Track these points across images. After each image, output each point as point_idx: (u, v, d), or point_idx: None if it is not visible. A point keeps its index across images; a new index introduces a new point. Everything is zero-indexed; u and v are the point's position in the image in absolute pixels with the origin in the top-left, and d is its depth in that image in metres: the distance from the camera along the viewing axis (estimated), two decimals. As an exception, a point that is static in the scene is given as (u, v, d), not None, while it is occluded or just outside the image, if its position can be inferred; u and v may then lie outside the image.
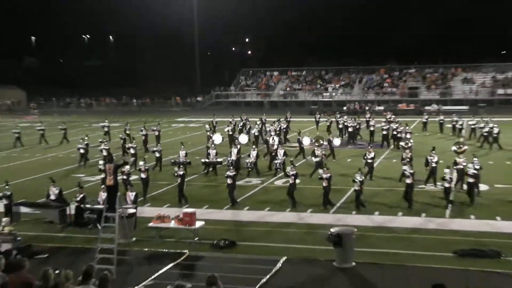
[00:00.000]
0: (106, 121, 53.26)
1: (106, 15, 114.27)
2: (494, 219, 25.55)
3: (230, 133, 47.44)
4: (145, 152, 42.71)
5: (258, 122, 51.08)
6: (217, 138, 42.53)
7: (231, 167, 29.91)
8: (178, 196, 29.25)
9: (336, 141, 42.80)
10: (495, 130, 43.94)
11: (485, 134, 44.87)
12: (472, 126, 49.56)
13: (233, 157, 35.54)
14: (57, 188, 27.31)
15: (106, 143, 41.87)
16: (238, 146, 38.60)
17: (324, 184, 27.74)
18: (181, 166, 30.99)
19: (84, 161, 39.64)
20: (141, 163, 31.35)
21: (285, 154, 36.19)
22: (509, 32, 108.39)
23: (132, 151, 38.26)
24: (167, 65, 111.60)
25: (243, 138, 44.04)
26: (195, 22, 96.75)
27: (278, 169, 35.14)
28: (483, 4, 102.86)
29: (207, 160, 36.31)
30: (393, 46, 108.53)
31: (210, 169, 36.20)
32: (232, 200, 28.54)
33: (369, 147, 36.08)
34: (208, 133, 45.88)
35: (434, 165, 30.01)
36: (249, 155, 36.52)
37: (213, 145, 38.44)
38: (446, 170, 27.77)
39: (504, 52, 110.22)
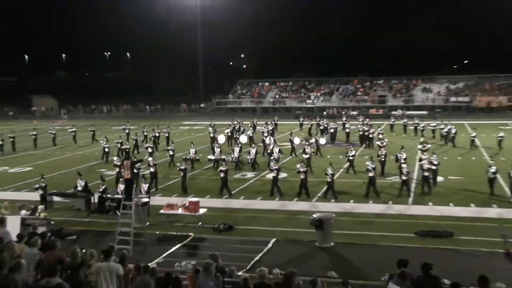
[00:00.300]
0: (128, 124, 53.05)
1: (124, 35, 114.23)
2: (448, 205, 25.79)
3: (229, 134, 47.46)
4: (156, 151, 42.74)
5: (250, 125, 51.48)
6: (221, 138, 42.48)
7: (225, 163, 30.20)
8: (181, 186, 29.37)
9: (322, 140, 42.79)
10: (453, 131, 44.45)
11: (445, 134, 45.21)
12: (433, 128, 49.82)
13: (236, 155, 35.78)
14: (83, 181, 27.40)
15: (127, 143, 42.40)
16: (240, 145, 38.71)
17: (302, 176, 27.86)
18: (186, 161, 31.54)
19: (106, 158, 39.59)
20: (150, 159, 31.56)
21: (280, 151, 36.27)
22: (459, 51, 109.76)
23: (149, 150, 38.56)
24: (175, 77, 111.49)
25: (243, 138, 43.70)
26: (200, 41, 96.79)
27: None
28: (441, 25, 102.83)
29: (212, 157, 36.28)
30: (365, 61, 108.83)
31: (215, 165, 35.96)
32: (228, 190, 28.58)
33: (350, 146, 36.22)
34: (212, 134, 45.80)
35: (403, 161, 29.95)
36: (249, 153, 36.40)
37: (217, 144, 38.36)
38: (404, 165, 28.01)
39: (456, 66, 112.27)
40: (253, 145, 38.79)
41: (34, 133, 51.02)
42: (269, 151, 37.28)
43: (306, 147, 35.74)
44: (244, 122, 54.65)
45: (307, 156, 34.29)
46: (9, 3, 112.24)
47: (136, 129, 52.99)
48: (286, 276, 11.72)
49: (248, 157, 35.80)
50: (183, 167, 29.66)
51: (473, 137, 42.74)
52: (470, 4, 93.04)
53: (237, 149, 36.85)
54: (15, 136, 49.18)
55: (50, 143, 50.50)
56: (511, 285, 15.04)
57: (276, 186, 28.24)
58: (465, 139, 44.48)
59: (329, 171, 27.51)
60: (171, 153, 37.19)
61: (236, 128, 50.69)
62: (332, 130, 48.69)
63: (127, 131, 50.66)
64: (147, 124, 56.60)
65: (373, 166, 28.15)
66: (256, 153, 36.17)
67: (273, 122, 52.85)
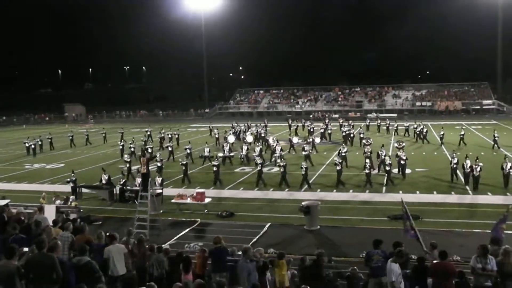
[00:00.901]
0: (150, 127, 52.67)
1: (141, 52, 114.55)
2: (415, 193, 25.73)
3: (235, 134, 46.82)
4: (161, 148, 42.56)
5: (242, 126, 51.61)
6: (231, 138, 42.11)
7: (216, 159, 30.38)
8: (182, 178, 29.36)
9: (317, 139, 42.21)
10: (424, 130, 44.86)
11: (418, 132, 45.27)
12: (406, 127, 50.07)
13: (244, 152, 35.48)
14: (106, 175, 27.38)
15: (150, 143, 42.41)
16: (247, 144, 38.47)
17: (282, 170, 27.94)
18: (201, 158, 32.13)
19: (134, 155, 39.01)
20: (157, 154, 31.84)
21: (281, 149, 35.96)
22: (422, 64, 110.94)
23: (169, 148, 38.16)
24: (184, 86, 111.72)
25: (249, 138, 42.96)
26: (205, 57, 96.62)
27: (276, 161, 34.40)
28: (408, 43, 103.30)
29: (222, 154, 35.93)
30: (344, 72, 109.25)
31: (224, 161, 35.57)
32: (219, 181, 28.58)
33: (343, 144, 36.14)
34: (217, 135, 45.59)
35: (383, 157, 29.76)
36: (254, 150, 35.93)
37: (226, 143, 38.14)
38: (387, 158, 28.40)
39: (420, 76, 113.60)
40: (257, 143, 38.23)
41: (71, 134, 50.92)
42: (272, 149, 36.67)
43: (304, 145, 35.49)
44: (240, 124, 54.30)
45: (306, 153, 33.95)
46: (45, 27, 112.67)
47: (151, 130, 52.78)
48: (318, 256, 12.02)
49: (254, 154, 34.94)
50: (184, 162, 29.80)
51: (442, 135, 42.78)
52: (432, 26, 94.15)
53: (245, 147, 36.49)
54: (52, 137, 48.99)
55: (83, 142, 50.18)
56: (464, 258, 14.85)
57: (284, 179, 28.02)
58: (432, 137, 44.51)
59: (304, 165, 27.71)
60: (188, 151, 36.26)
61: (243, 129, 50.47)
62: (322, 130, 48.44)
63: (148, 132, 49.94)
64: (160, 126, 56.47)
65: (340, 160, 28.13)
66: (261, 150, 35.52)
67: (263, 124, 52.65)
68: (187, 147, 36.82)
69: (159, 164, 30.66)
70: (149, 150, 36.17)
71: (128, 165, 31.30)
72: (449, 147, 39.69)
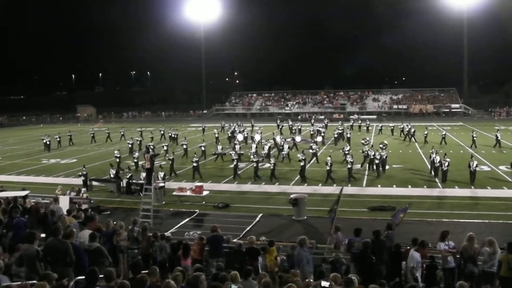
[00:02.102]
0: (163, 127, 51.74)
1: (146, 58, 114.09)
2: (392, 187, 25.83)
3: (230, 134, 46.31)
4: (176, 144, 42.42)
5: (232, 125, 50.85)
6: (240, 137, 41.67)
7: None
8: (192, 173, 29.08)
9: (319, 138, 41.50)
10: (412, 130, 44.95)
11: (406, 132, 45.46)
12: (392, 127, 50.59)
13: (253, 150, 34.87)
14: (114, 170, 27.36)
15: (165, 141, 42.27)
16: (255, 142, 38.18)
17: (271, 166, 27.99)
18: (215, 155, 32.37)
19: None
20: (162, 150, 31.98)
21: (289, 147, 35.75)
22: (399, 71, 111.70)
23: (184, 146, 37.20)
24: (184, 90, 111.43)
25: (257, 136, 41.91)
26: (203, 63, 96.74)
27: (284, 157, 34.15)
28: (386, 52, 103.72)
29: (232, 152, 35.33)
30: (329, 77, 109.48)
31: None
32: (238, 176, 28.59)
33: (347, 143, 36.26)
34: (216, 135, 44.96)
35: (372, 155, 29.78)
36: (263, 148, 35.68)
37: (237, 142, 37.80)
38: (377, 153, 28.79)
39: (396, 82, 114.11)
40: (264, 142, 37.54)
41: (92, 132, 50.62)
42: (280, 147, 36.07)
43: (312, 144, 34.98)
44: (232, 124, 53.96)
45: (313, 151, 33.25)
46: (61, 38, 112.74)
47: (153, 130, 52.72)
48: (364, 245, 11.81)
49: (262, 152, 34.64)
50: (196, 159, 29.41)
51: (425, 134, 42.81)
52: (408, 38, 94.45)
53: (253, 146, 36.19)
54: (72, 135, 48.91)
55: (89, 140, 49.77)
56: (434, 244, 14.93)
57: (303, 173, 27.85)
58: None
59: (300, 156, 27.78)
60: (203, 148, 36.14)
61: (251, 128, 49.83)
62: (323, 131, 47.19)
63: (162, 132, 49.48)
64: (166, 126, 56.35)
65: (304, 157, 27.97)
66: (269, 148, 34.93)
67: (251, 124, 52.32)
68: (201, 145, 36.35)
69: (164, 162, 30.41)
70: (165, 148, 36.68)
71: (136, 160, 31.37)
72: (430, 146, 39.95)
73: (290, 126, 52.78)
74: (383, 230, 13.29)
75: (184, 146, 36.82)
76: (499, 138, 38.25)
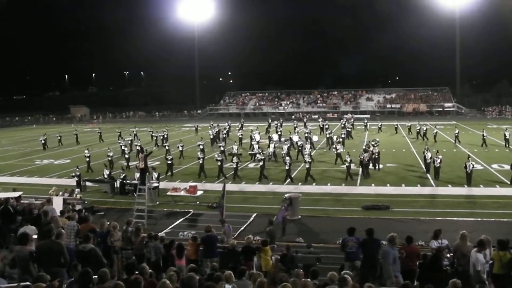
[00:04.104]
0: (166, 128, 49.11)
1: (140, 58, 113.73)
2: (386, 185, 25.87)
3: (214, 135, 45.14)
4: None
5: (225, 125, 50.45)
6: (257, 136, 40.53)
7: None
8: (199, 172, 29.01)
9: (315, 137, 41.40)
10: (424, 129, 44.62)
11: (417, 130, 45.19)
12: (395, 126, 51.33)
13: (271, 149, 34.89)
14: (108, 170, 27.32)
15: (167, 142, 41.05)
16: (273, 142, 37.76)
17: (307, 166, 27.57)
18: (231, 155, 31.46)
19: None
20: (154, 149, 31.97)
21: (310, 147, 35.44)
22: (392, 70, 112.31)
23: (180, 148, 36.73)
24: (178, 90, 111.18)
25: (275, 136, 41.78)
26: (197, 63, 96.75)
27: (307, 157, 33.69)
28: (379, 52, 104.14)
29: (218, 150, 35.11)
30: (323, 77, 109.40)
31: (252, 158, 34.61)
32: (264, 176, 28.14)
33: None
34: (211, 136, 44.51)
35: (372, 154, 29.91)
36: (268, 147, 35.65)
37: (255, 141, 37.73)
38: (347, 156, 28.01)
39: (390, 81, 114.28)
40: (285, 141, 36.98)
41: (76, 132, 50.54)
42: (298, 147, 35.37)
43: (336, 144, 34.64)
44: (220, 124, 53.92)
45: (337, 151, 32.44)
46: (55, 38, 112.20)
47: (145, 130, 52.56)
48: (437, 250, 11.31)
49: (282, 152, 34.21)
50: (201, 156, 29.47)
51: (435, 133, 42.73)
52: (401, 38, 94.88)
53: (272, 145, 35.84)
54: (46, 139, 47.01)
55: (88, 140, 49.52)
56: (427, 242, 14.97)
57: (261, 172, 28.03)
58: (399, 137, 44.66)
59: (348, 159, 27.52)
60: (180, 148, 36.34)
61: (222, 129, 49.39)
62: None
63: (165, 135, 46.23)
64: (156, 126, 56.14)
65: (310, 160, 28.02)
66: (288, 149, 34.38)
67: (240, 124, 52.18)
68: (200, 142, 35.99)
69: (169, 162, 30.23)
70: (180, 148, 36.50)
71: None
72: (412, 145, 40.08)
73: (276, 127, 52.13)
74: (266, 226, 15.47)
75: (180, 148, 36.67)
76: (507, 137, 38.16)
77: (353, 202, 22.34)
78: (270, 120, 56.42)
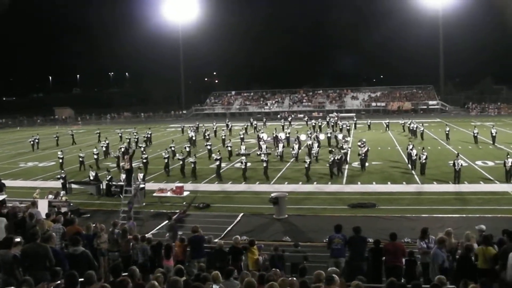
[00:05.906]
0: (135, 129, 50.22)
1: (124, 59, 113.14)
2: (372, 183, 26.00)
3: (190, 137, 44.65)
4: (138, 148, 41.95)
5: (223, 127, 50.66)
6: (265, 136, 40.73)
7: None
8: (216, 174, 28.74)
9: (302, 137, 40.60)
10: (417, 126, 44.90)
11: (412, 129, 45.57)
12: (387, 124, 51.41)
13: (280, 149, 34.72)
14: (94, 172, 27.19)
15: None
16: (282, 142, 37.50)
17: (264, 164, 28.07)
18: (239, 155, 31.54)
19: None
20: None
21: (318, 146, 35.17)
22: (377, 69, 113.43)
23: (172, 148, 36.41)
24: (163, 90, 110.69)
25: (282, 135, 41.42)
26: (182, 63, 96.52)
27: (316, 157, 33.29)
28: (364, 50, 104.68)
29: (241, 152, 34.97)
30: (308, 76, 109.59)
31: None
32: (218, 176, 28.32)
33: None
34: (193, 138, 44.12)
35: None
36: (277, 147, 35.52)
37: (263, 141, 37.74)
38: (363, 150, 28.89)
39: (374, 80, 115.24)
40: (294, 140, 36.87)
41: (57, 135, 50.06)
42: (309, 146, 34.67)
43: (343, 143, 34.81)
44: (206, 124, 53.99)
45: (344, 150, 32.13)
46: (37, 38, 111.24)
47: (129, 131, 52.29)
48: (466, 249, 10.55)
49: (278, 150, 34.61)
50: (219, 157, 29.03)
51: (421, 131, 43.29)
52: (386, 36, 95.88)
53: (280, 145, 35.65)
54: (39, 139, 47.67)
55: (70, 142, 49.09)
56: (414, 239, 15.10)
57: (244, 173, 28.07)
58: (385, 134, 44.88)
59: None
60: (208, 147, 36.40)
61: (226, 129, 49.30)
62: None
63: (148, 135, 46.91)
64: (140, 127, 55.83)
65: (309, 160, 28.11)
66: (283, 147, 34.49)
67: (226, 124, 51.91)
68: (186, 145, 36.18)
69: (144, 161, 30.30)
70: (173, 149, 36.11)
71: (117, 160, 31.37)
72: (398, 143, 40.32)
73: (254, 126, 52.09)
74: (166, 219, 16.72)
75: (172, 148, 36.39)
76: (493, 135, 38.26)
77: (339, 200, 22.46)
78: (252, 120, 56.46)
